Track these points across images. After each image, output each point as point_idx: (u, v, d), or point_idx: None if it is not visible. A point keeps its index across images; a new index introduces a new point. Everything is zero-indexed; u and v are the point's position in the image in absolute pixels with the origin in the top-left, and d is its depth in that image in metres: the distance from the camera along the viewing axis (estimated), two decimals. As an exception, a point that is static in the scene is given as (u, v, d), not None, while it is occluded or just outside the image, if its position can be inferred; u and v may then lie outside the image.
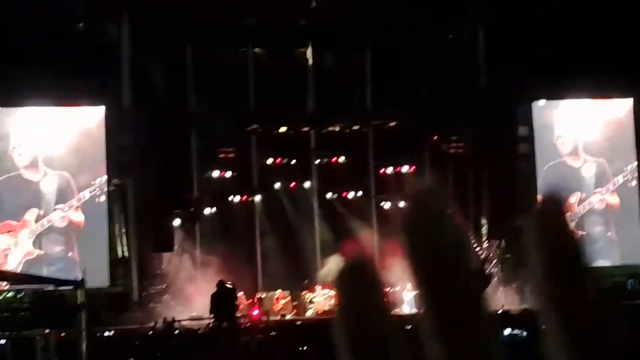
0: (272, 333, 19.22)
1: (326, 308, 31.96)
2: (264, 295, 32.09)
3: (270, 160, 34.65)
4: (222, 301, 24.76)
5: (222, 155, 34.20)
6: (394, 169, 35.21)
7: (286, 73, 34.28)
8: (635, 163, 34.75)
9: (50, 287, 27.13)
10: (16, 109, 31.67)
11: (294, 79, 34.35)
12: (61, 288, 24.51)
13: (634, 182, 34.72)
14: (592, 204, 34.41)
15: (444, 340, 1.20)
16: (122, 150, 31.67)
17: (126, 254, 31.92)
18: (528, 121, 33.98)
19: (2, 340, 18.48)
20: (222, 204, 33.97)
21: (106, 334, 22.14)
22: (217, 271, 30.67)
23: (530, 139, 33.93)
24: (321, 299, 32.28)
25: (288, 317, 31.06)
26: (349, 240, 34.06)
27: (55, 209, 31.46)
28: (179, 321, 25.55)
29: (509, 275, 33.66)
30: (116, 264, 31.84)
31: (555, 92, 34.06)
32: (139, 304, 31.53)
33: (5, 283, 28.77)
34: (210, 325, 24.39)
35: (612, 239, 34.35)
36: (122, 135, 31.64)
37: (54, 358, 16.52)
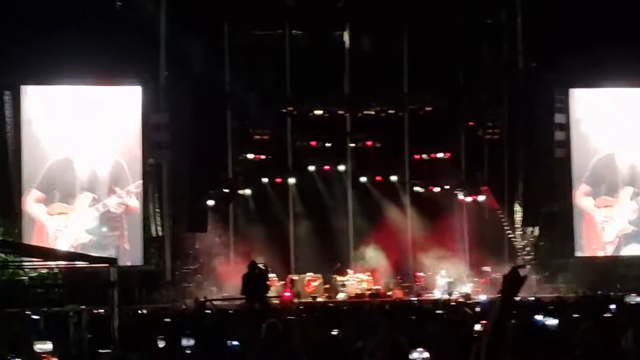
0: (303, 315, 19.23)
1: (357, 291, 32.00)
2: (296, 277, 32.16)
3: (305, 143, 34.63)
4: (254, 282, 24.76)
5: (257, 137, 34.22)
6: (429, 154, 35.08)
7: (323, 55, 34.22)
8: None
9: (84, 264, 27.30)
10: (52, 87, 31.87)
11: (331, 61, 34.28)
12: (94, 265, 24.66)
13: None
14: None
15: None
16: (158, 130, 31.74)
17: (160, 233, 32.06)
18: (565, 109, 33.67)
19: (35, 316, 18.58)
20: (256, 185, 34.01)
21: (138, 312, 22.22)
22: (249, 252, 30.75)
23: (566, 126, 33.63)
24: (353, 283, 32.30)
25: (319, 299, 31.10)
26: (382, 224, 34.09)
27: (111, 194, 31.72)
28: (211, 301, 25.60)
29: (542, 262, 33.52)
30: (150, 242, 32.02)
31: (595, 80, 33.70)
32: (171, 283, 31.70)
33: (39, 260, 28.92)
34: (242, 305, 24.42)
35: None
36: (158, 114, 31.73)
37: (86, 334, 16.58)
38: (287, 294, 30.95)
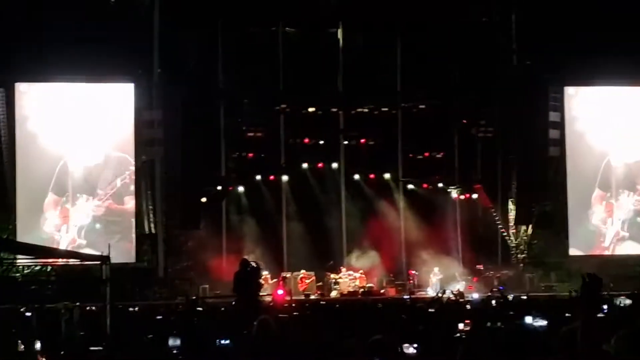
0: (295, 313, 19.20)
1: (350, 289, 31.99)
2: (288, 275, 32.12)
3: (298, 140, 34.61)
4: (246, 280, 24.69)
5: (250, 134, 34.20)
6: (422, 152, 35.08)
7: (316, 53, 34.16)
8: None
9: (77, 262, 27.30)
10: (46, 84, 31.83)
11: (324, 59, 34.22)
12: (87, 262, 24.66)
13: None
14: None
15: None
16: (150, 127, 31.71)
17: (153, 230, 32.03)
18: (559, 107, 33.66)
19: (28, 313, 18.58)
20: (249, 182, 33.97)
21: (130, 308, 22.21)
22: (242, 249, 30.72)
23: (561, 124, 33.62)
24: (346, 280, 32.29)
25: (312, 297, 31.08)
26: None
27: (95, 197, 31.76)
28: (202, 298, 25.56)
29: (535, 261, 33.55)
30: (143, 239, 31.98)
31: (589, 78, 33.69)
32: (163, 280, 31.66)
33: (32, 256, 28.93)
34: (234, 303, 24.37)
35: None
36: (151, 111, 31.69)
37: (78, 331, 16.60)
38: (280, 291, 30.87)
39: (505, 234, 34.18)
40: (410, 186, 34.99)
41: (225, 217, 33.91)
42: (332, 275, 32.46)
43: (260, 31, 34.25)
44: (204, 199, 32.71)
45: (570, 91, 34.00)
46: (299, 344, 10.37)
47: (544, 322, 12.05)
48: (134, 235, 31.81)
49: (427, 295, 29.81)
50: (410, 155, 35.13)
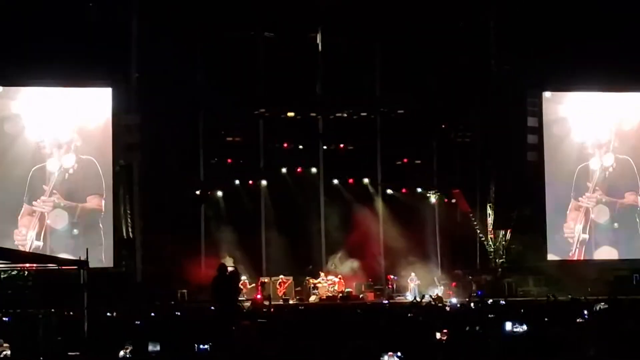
0: (274, 317, 19.17)
1: (329, 294, 31.97)
2: (267, 280, 32.08)
3: (277, 145, 34.57)
4: (224, 285, 24.61)
5: (229, 138, 34.15)
6: (401, 156, 35.14)
7: (295, 58, 34.14)
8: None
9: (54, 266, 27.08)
10: (23, 88, 31.65)
11: (303, 63, 34.21)
12: (64, 268, 24.47)
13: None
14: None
15: None
16: (128, 131, 31.59)
17: (131, 235, 31.89)
18: (537, 112, 33.76)
19: (5, 318, 18.45)
20: (227, 187, 33.90)
21: (108, 314, 22.08)
22: (220, 254, 30.65)
23: (539, 130, 33.72)
24: (325, 285, 32.27)
25: (291, 301, 31.05)
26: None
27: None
28: (181, 303, 25.48)
29: (513, 265, 33.63)
30: (121, 244, 31.82)
31: (567, 84, 33.84)
32: (141, 285, 31.51)
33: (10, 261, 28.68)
34: (212, 308, 24.29)
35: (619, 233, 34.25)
36: (129, 116, 31.58)
37: (56, 336, 16.46)
38: (259, 296, 30.87)
39: (483, 238, 34.26)
40: (389, 191, 35.06)
41: (203, 221, 33.82)
42: (311, 280, 32.45)
43: (239, 36, 34.20)
44: (182, 204, 32.58)
45: (547, 95, 34.11)
46: (278, 349, 10.34)
47: (523, 328, 12.06)
48: (111, 239, 31.61)
49: (406, 300, 29.82)
50: (389, 159, 35.17)
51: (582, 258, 33.86)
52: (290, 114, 34.51)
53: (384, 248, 34.34)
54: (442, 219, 34.91)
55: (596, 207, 34.10)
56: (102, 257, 30.96)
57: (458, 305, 23.81)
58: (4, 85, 31.48)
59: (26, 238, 31.10)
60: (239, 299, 25.99)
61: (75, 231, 31.51)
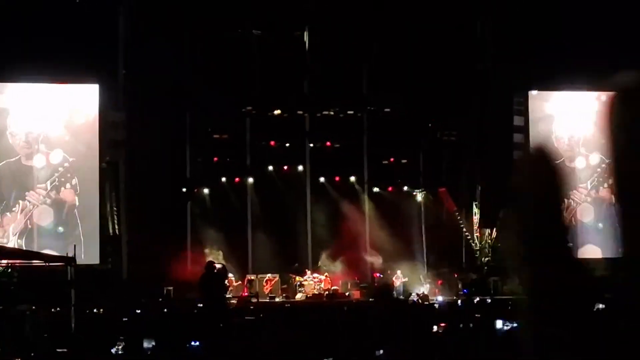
0: (261, 315, 19.20)
1: (315, 292, 32.00)
2: (253, 277, 32.08)
3: (264, 143, 34.57)
4: (211, 282, 24.63)
5: (216, 136, 34.11)
6: (388, 155, 35.19)
7: (282, 56, 34.11)
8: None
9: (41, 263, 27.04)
10: (9, 84, 31.56)
11: (291, 61, 34.20)
12: (51, 264, 24.45)
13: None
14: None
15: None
16: (115, 128, 31.56)
17: (117, 232, 31.83)
18: (523, 111, 33.87)
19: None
20: (214, 184, 33.88)
21: (95, 310, 22.08)
22: (207, 252, 30.63)
23: (525, 129, 33.83)
24: (311, 283, 32.29)
25: (277, 299, 31.06)
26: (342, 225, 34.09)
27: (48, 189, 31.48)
28: (168, 301, 25.47)
29: (499, 264, 33.69)
30: (107, 241, 31.76)
31: (554, 83, 33.95)
32: (128, 282, 31.45)
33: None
34: (199, 306, 24.31)
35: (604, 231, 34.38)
36: (116, 112, 31.53)
37: (43, 333, 16.45)
38: (245, 293, 30.90)
39: (469, 237, 34.34)
40: (376, 189, 35.10)
41: (190, 219, 33.79)
42: (297, 278, 32.46)
43: (227, 34, 34.15)
44: (169, 201, 32.55)
45: (533, 93, 34.23)
46: (266, 346, 10.37)
47: (514, 324, 12.13)
48: (97, 236, 31.55)
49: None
50: (376, 158, 35.23)
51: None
52: (277, 112, 34.51)
53: (370, 246, 34.38)
54: (428, 218, 34.99)
55: (581, 206, 34.23)
56: (88, 253, 30.87)
57: (445, 303, 23.89)
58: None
59: (10, 234, 31.01)
60: (227, 296, 26.07)
61: (61, 229, 31.42)
